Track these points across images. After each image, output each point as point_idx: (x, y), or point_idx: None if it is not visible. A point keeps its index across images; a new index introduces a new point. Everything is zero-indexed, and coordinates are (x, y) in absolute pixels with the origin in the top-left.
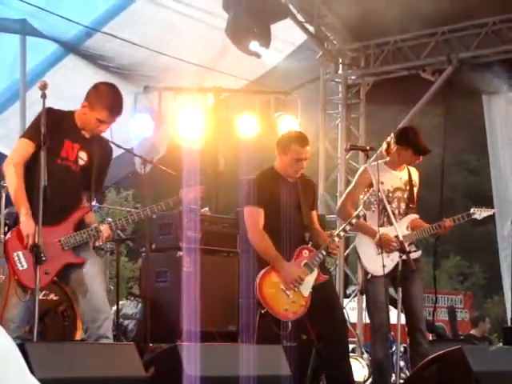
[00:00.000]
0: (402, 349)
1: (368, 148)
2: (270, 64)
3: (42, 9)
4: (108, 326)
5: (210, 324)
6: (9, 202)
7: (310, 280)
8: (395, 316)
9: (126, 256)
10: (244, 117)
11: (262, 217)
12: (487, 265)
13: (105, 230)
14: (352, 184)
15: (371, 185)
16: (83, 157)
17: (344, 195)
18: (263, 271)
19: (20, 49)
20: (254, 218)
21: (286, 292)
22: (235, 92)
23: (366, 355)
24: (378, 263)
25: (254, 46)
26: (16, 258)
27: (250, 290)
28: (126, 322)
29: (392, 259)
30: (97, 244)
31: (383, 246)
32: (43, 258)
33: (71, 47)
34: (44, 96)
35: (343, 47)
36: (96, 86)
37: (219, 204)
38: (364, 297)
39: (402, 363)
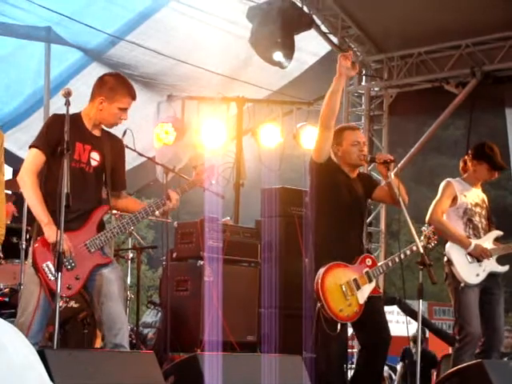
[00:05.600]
0: None
1: (389, 160)
2: (293, 74)
3: (67, 17)
4: (124, 335)
5: (230, 334)
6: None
7: (368, 289)
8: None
9: (147, 264)
10: (267, 127)
11: None
12: (509, 278)
13: (172, 193)
14: (438, 195)
15: (456, 197)
16: (95, 157)
17: (433, 205)
18: (327, 266)
19: (44, 56)
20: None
21: (345, 293)
22: (258, 102)
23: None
24: (471, 272)
25: (278, 56)
26: (46, 269)
27: (272, 299)
28: (146, 331)
29: (484, 269)
30: (171, 207)
31: (478, 255)
32: (72, 264)
33: (95, 55)
34: (68, 103)
35: (367, 59)
36: (102, 79)
37: (240, 214)
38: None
39: None
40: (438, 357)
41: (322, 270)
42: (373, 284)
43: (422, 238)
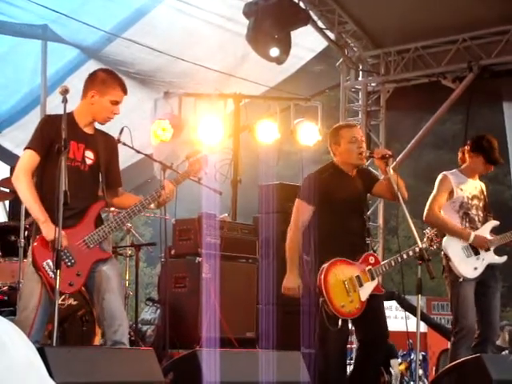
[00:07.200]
0: (420, 357)
1: (387, 155)
2: (290, 70)
3: (64, 14)
4: (123, 331)
5: (228, 330)
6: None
7: (370, 287)
8: (413, 324)
9: (145, 262)
10: (264, 123)
11: (308, 214)
12: (507, 273)
13: (167, 183)
14: (435, 190)
15: (452, 191)
16: (90, 156)
17: (429, 201)
18: (331, 261)
19: (41, 54)
20: (298, 212)
21: (347, 289)
22: (255, 98)
23: None
24: (469, 266)
25: (275, 52)
26: (47, 267)
27: (270, 296)
28: (145, 328)
29: (482, 262)
30: (165, 197)
31: (480, 246)
32: (72, 261)
33: (92, 53)
34: (65, 101)
35: (363, 54)
36: (94, 74)
37: (238, 210)
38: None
39: (420, 371)
40: (435, 352)
41: (325, 265)
42: (375, 282)
43: (425, 239)
